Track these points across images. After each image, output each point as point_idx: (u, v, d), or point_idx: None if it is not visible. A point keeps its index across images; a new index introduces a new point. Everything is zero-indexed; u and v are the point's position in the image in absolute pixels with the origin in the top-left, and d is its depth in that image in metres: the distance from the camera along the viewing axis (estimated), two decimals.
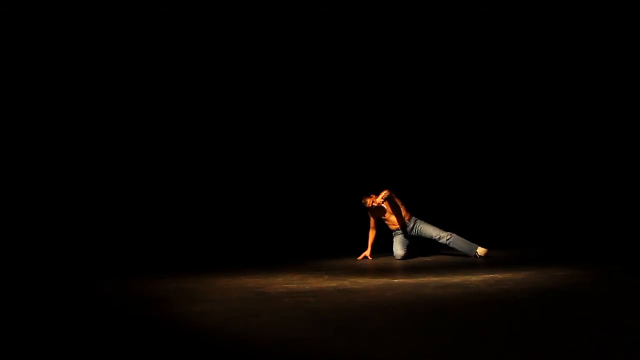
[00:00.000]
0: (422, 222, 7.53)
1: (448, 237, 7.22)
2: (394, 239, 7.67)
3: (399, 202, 7.57)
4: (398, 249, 7.52)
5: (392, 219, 7.63)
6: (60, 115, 9.68)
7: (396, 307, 4.00)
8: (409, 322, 3.53)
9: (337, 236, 9.68)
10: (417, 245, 7.85)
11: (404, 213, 7.58)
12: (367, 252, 7.59)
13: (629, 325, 3.16)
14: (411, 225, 7.54)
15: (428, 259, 7.51)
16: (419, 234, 7.51)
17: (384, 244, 7.94)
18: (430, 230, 7.40)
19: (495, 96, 10.60)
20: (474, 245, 7.17)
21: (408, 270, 6.30)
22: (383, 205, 7.47)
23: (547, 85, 10.37)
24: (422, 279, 5.40)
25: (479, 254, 7.08)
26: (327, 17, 9.75)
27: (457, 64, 10.47)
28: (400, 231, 7.62)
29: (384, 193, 7.29)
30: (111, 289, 5.51)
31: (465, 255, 7.25)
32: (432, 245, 8.20)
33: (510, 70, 10.37)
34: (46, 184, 9.54)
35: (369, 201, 7.47)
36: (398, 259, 7.45)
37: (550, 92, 10.38)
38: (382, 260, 7.44)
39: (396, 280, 5.32)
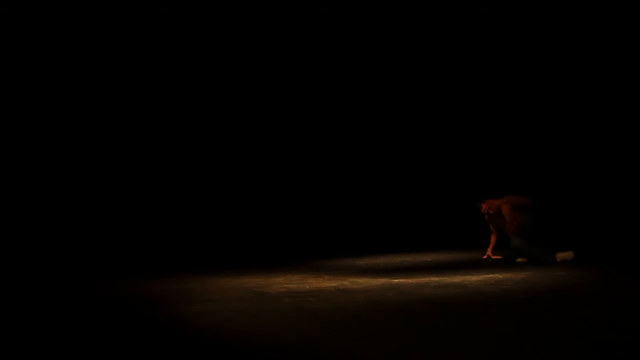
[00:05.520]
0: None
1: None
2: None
3: (505, 215, 6.91)
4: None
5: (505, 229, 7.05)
6: (61, 116, 9.68)
7: (396, 307, 4.00)
8: (409, 322, 3.53)
9: (337, 236, 9.68)
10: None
11: (507, 228, 6.94)
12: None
13: (628, 326, 3.16)
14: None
15: (428, 258, 7.50)
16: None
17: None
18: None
19: (498, 97, 10.59)
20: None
21: (408, 270, 6.29)
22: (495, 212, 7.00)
23: (552, 88, 10.34)
24: (422, 279, 5.39)
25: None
26: (328, 18, 9.75)
27: (451, 64, 10.47)
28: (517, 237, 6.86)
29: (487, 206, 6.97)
30: (112, 289, 5.51)
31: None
32: (432, 245, 8.22)
33: (511, 71, 10.37)
34: (48, 186, 9.54)
35: (484, 207, 7.05)
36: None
37: (554, 93, 10.36)
38: (381, 260, 7.44)
39: (396, 280, 5.32)
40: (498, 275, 5.38)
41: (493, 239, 7.27)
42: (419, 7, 9.63)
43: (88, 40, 9.48)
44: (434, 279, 5.31)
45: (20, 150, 9.48)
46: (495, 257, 7.14)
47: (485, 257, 7.23)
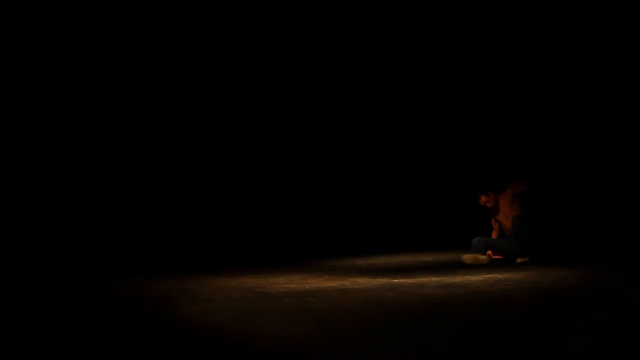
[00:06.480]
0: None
1: None
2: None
3: (503, 204, 6.93)
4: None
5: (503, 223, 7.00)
6: (61, 115, 9.68)
7: (396, 307, 4.00)
8: (409, 322, 3.53)
9: (337, 236, 9.67)
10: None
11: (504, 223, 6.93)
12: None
13: (629, 326, 3.16)
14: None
15: (428, 258, 7.50)
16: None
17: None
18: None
19: (497, 96, 10.59)
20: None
21: (408, 270, 6.29)
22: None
23: (551, 86, 10.33)
24: (422, 279, 5.39)
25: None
26: (328, 18, 9.75)
27: (449, 64, 10.46)
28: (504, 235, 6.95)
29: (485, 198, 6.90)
30: (112, 289, 5.52)
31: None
32: (432, 245, 8.21)
33: (510, 71, 10.36)
34: (46, 185, 9.55)
35: (483, 199, 6.98)
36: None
37: (554, 92, 10.36)
38: (381, 260, 7.44)
39: (396, 280, 5.32)
40: (498, 275, 5.38)
41: (494, 237, 7.26)
42: (418, 6, 9.64)
43: (88, 40, 9.49)
44: (434, 279, 5.31)
45: (20, 150, 9.48)
46: (495, 257, 7.14)
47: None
